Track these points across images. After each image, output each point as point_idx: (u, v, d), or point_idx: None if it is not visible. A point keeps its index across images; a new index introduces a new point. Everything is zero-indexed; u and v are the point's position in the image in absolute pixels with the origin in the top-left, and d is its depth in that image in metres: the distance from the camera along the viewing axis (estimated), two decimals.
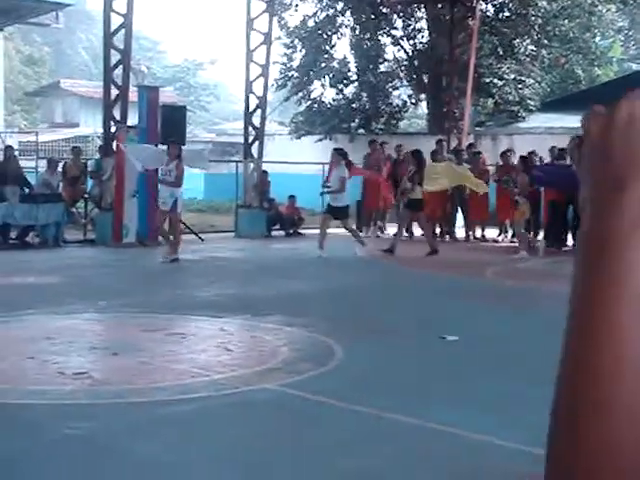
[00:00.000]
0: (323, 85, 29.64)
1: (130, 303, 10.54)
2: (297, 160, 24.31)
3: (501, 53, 27.79)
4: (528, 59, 28.08)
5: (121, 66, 17.73)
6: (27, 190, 17.62)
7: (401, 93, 30.95)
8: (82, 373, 6.98)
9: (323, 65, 29.01)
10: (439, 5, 26.86)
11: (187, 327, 9.26)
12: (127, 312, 9.98)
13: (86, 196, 19.41)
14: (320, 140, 28.40)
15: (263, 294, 11.48)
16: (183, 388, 6.62)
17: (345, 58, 29.89)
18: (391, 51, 29.95)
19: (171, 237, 15.07)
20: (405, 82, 30.05)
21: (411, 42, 29.27)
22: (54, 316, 10.05)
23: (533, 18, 27.38)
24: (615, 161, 0.67)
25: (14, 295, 11.04)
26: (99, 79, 54.81)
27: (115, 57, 17.78)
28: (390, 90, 29.90)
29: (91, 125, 40.04)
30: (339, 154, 16.18)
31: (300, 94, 29.51)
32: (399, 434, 5.69)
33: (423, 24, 29.16)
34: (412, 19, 29.14)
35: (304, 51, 29.00)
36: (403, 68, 29.65)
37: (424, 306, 10.85)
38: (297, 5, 28.67)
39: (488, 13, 27.57)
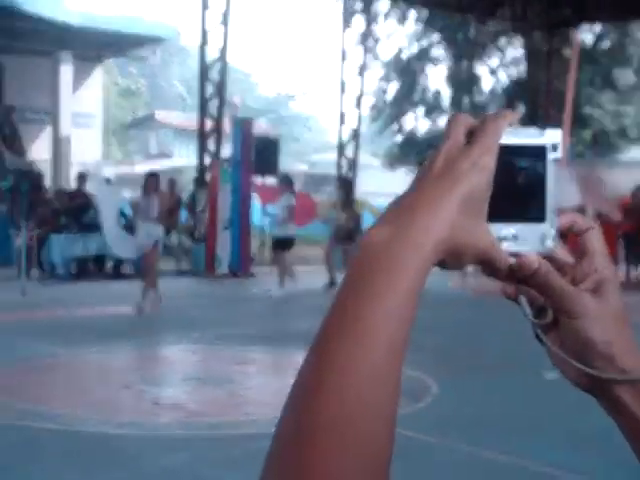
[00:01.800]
0: (418, 117, 29.60)
1: (224, 334, 10.54)
2: (391, 191, 24.22)
3: (600, 83, 27.34)
4: (627, 89, 27.56)
5: (215, 98, 17.94)
6: (124, 221, 17.88)
7: None
8: (176, 404, 6.97)
9: (417, 96, 28.97)
10: (536, 35, 26.57)
11: (281, 360, 9.20)
12: (221, 343, 9.98)
13: (180, 227, 19.61)
14: (414, 172, 28.29)
15: None
16: (277, 421, 6.54)
17: (439, 89, 29.83)
18: (487, 82, 29.78)
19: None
20: None
21: (507, 72, 29.02)
22: (150, 346, 10.14)
23: (632, 47, 26.89)
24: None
25: (110, 325, 11.16)
26: (193, 111, 55.87)
27: (209, 90, 18.01)
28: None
29: (184, 156, 40.72)
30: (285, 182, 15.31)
31: (394, 126, 29.52)
32: (496, 473, 5.51)
33: (520, 53, 28.89)
34: (508, 49, 28.90)
35: (398, 83, 29.01)
36: (499, 99, 29.41)
37: (518, 339, 10.59)
38: (390, 36, 28.72)
39: (587, 42, 27.17)
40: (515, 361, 9.17)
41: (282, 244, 14.87)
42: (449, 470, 5.59)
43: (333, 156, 56.33)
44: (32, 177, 15.11)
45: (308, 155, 54.10)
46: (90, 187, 17.37)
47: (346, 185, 15.99)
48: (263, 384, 7.84)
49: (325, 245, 15.63)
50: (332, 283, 15.00)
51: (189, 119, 46.94)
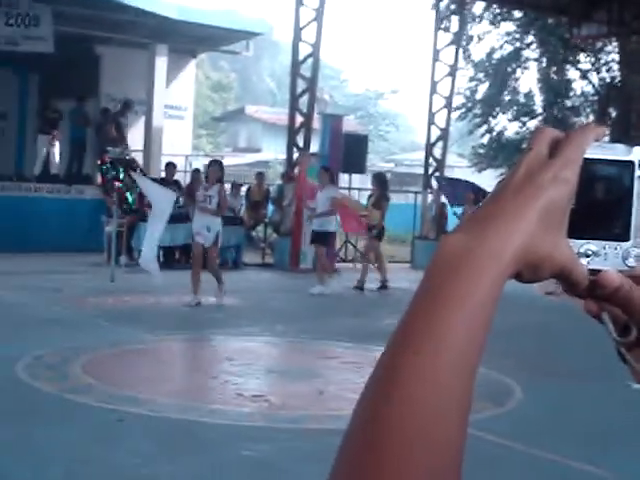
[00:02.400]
0: (508, 119, 29.31)
1: (306, 329, 10.63)
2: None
3: None
4: None
5: (306, 94, 18.03)
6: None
7: None
8: (260, 396, 7.06)
9: (507, 98, 28.69)
10: (633, 38, 26.05)
11: (363, 356, 9.22)
12: (303, 338, 10.07)
13: (266, 221, 19.78)
14: (502, 174, 28.03)
15: None
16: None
17: (530, 92, 29.48)
18: (579, 85, 29.33)
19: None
20: (592, 118, 29.30)
21: (600, 76, 28.54)
22: (234, 337, 10.28)
23: None
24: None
25: (195, 315, 11.34)
26: (282, 106, 56.16)
27: (300, 85, 18.12)
28: (575, 126, 29.22)
29: (272, 151, 40.94)
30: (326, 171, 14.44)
31: (483, 127, 29.29)
32: None
33: (614, 57, 28.38)
34: (602, 52, 28.40)
35: (488, 84, 28.77)
36: (591, 103, 28.94)
37: (603, 347, 10.43)
38: (482, 37, 28.48)
39: None
40: (601, 369, 9.04)
41: (321, 238, 14.28)
42: (528, 476, 5.56)
43: (420, 155, 55.93)
44: (130, 165, 15.41)
45: (395, 154, 53.95)
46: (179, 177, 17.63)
47: (382, 181, 15.53)
48: (344, 380, 7.87)
49: (370, 245, 15.34)
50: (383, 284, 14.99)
51: (278, 114, 47.31)
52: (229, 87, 56.15)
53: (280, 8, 41.88)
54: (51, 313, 10.59)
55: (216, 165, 12.21)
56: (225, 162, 23.01)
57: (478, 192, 17.86)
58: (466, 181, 20.65)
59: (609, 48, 28.29)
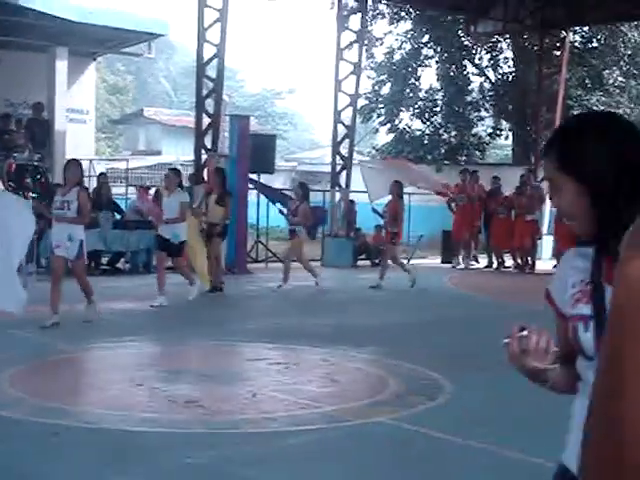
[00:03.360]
0: (410, 116, 29.71)
1: (226, 331, 10.58)
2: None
3: (589, 84, 27.47)
4: (617, 90, 27.70)
5: (211, 96, 17.92)
6: (119, 217, 17.86)
7: (485, 124, 30.85)
8: (193, 402, 6.98)
9: (410, 95, 29.07)
10: (525, 36, 26.71)
11: (289, 357, 9.24)
12: (225, 340, 10.02)
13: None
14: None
15: (358, 324, 11.44)
16: (295, 419, 6.56)
17: (431, 88, 29.92)
18: (477, 81, 29.91)
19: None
20: (490, 112, 29.93)
21: (496, 72, 29.15)
22: (155, 343, 10.17)
23: (622, 49, 27.03)
24: None
25: (112, 322, 11.17)
26: (178, 107, 55.55)
27: (205, 86, 18.00)
28: (475, 121, 29.81)
29: (172, 153, 40.59)
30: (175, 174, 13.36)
31: (386, 125, 29.67)
32: (519, 471, 5.57)
33: (508, 54, 29.04)
34: (497, 49, 29.03)
35: (390, 83, 29.14)
36: (488, 98, 29.54)
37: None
38: (383, 38, 28.82)
39: (576, 44, 27.29)
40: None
41: (173, 248, 12.84)
42: (466, 468, 5.64)
43: (319, 154, 56.12)
44: (39, 172, 15.08)
45: (294, 153, 54.06)
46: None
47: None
48: (274, 382, 7.85)
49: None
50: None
51: (177, 116, 46.87)
52: (126, 90, 55.39)
53: (173, 8, 41.47)
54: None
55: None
56: (125, 165, 22.78)
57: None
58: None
59: (504, 45, 28.94)
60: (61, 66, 20.22)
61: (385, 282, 15.45)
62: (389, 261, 15.67)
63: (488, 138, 30.19)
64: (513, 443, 5.96)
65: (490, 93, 29.56)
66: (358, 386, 8.07)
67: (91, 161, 22.29)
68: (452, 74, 29.16)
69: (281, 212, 16.28)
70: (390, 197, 15.99)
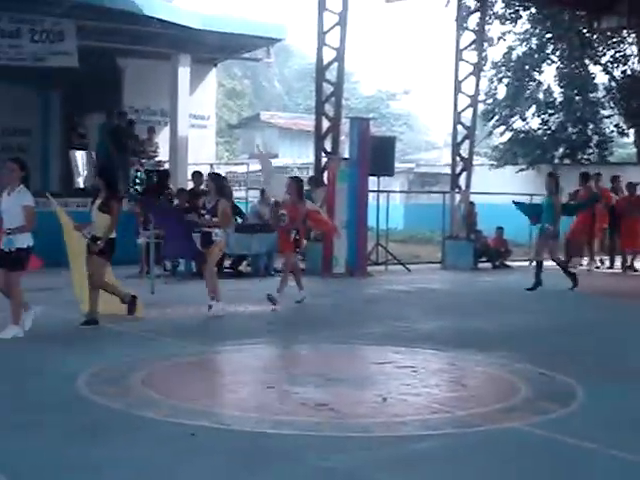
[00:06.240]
0: (525, 117, 29.25)
1: (351, 334, 10.60)
2: (497, 191, 23.91)
3: None
4: None
5: (330, 99, 18.01)
6: (240, 220, 18.11)
7: (608, 122, 30.12)
8: (324, 405, 7.00)
9: (527, 95, 28.63)
10: None
11: (415, 360, 9.17)
12: (351, 343, 10.04)
13: None
14: (522, 170, 28.01)
15: (484, 328, 11.31)
16: (426, 423, 6.51)
17: (550, 87, 29.40)
18: (600, 79, 29.24)
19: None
20: (615, 110, 29.21)
21: (621, 69, 28.43)
22: (282, 345, 10.26)
23: None
24: None
25: (238, 324, 11.33)
26: (292, 110, 56.07)
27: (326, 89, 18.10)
28: (600, 118, 29.14)
29: (289, 156, 40.95)
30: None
31: (501, 127, 29.33)
32: None
33: (634, 49, 28.25)
34: (622, 45, 28.29)
35: (508, 82, 28.75)
36: (612, 96, 28.83)
37: None
38: (502, 37, 28.44)
39: None
40: None
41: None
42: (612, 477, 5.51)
43: (435, 155, 55.80)
44: (161, 176, 15.42)
45: (409, 154, 53.88)
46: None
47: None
48: (403, 385, 7.81)
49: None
50: None
51: (292, 119, 47.32)
52: (243, 94, 56.19)
53: (287, 12, 41.85)
54: (98, 327, 10.60)
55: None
56: (243, 169, 23.07)
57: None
58: None
59: (629, 40, 28.17)
60: (183, 73, 20.63)
61: (508, 284, 15.27)
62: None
63: (615, 135, 29.42)
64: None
65: (614, 91, 28.83)
66: (487, 391, 7.97)
67: (212, 165, 22.68)
68: (575, 72, 28.58)
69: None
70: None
